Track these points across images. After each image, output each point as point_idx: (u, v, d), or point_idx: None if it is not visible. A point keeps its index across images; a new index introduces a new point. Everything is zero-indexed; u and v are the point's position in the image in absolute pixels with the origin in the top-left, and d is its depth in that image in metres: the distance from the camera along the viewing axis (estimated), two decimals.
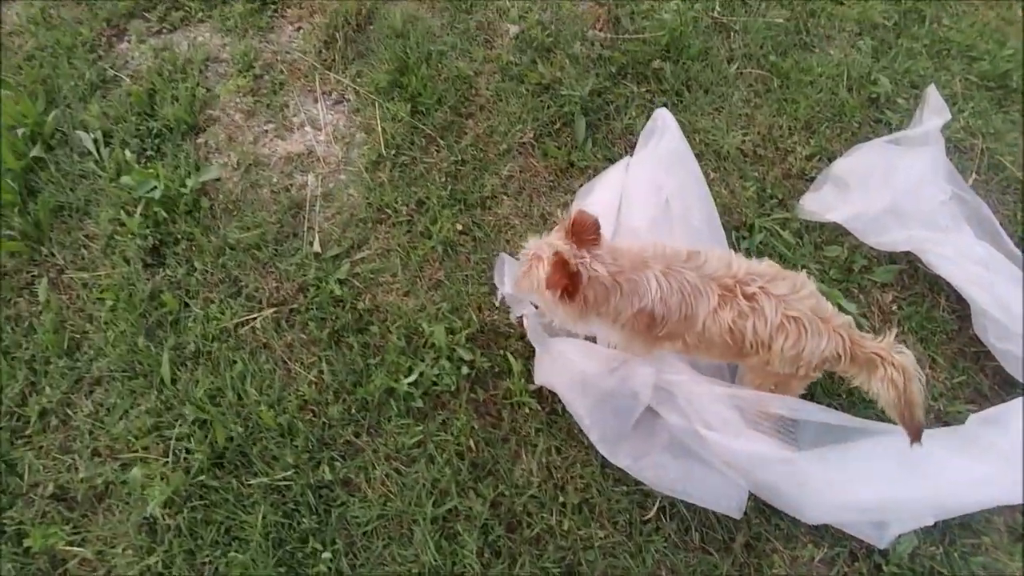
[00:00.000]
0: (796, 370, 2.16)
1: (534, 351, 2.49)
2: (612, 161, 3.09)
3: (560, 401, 2.47)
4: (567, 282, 2.00)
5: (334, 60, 3.39)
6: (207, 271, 2.77)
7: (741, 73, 3.42)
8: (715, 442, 2.33)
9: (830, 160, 3.13)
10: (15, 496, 2.38)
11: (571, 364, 2.42)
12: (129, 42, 3.47)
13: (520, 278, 2.20)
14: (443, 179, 3.02)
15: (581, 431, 2.43)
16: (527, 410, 2.49)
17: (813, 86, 3.38)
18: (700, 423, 2.36)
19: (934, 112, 3.09)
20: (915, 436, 2.07)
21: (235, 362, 2.56)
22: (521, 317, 2.54)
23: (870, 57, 3.50)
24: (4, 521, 2.34)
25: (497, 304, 2.67)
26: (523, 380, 2.52)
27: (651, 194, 2.72)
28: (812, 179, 3.10)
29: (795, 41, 3.56)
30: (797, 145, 3.21)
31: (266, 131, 3.19)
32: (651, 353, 2.37)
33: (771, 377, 2.28)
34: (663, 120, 2.84)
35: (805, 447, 2.38)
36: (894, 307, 2.85)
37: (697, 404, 2.38)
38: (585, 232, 2.05)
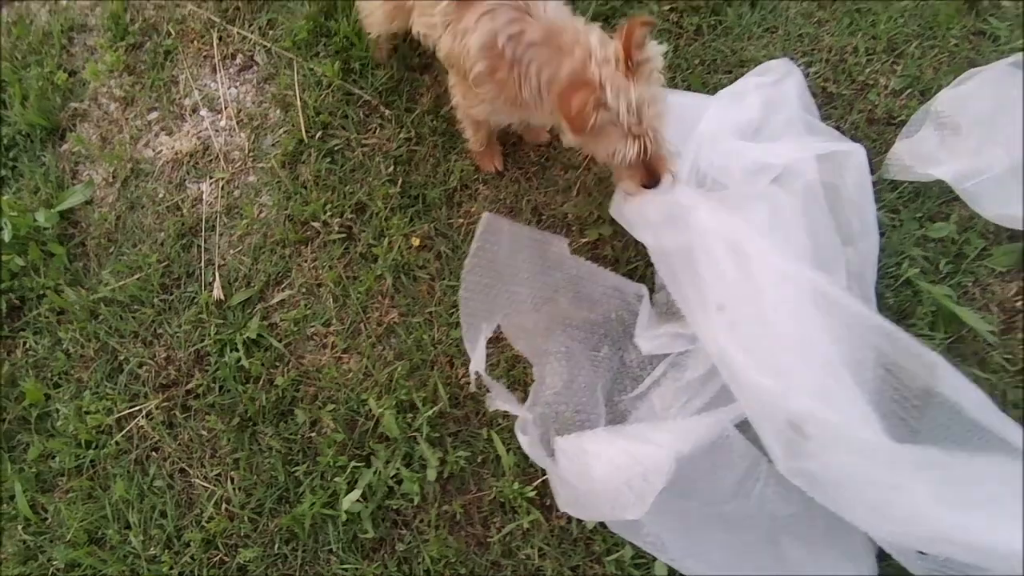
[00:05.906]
0: None
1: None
2: None
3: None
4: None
5: (238, 9, 2.46)
6: (78, 341, 2.01)
7: None
8: None
9: (923, 94, 2.13)
10: None
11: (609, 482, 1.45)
12: None
13: None
14: (390, 168, 2.13)
15: (606, 549, 1.65)
16: (526, 523, 1.70)
17: None
18: None
19: None
20: None
21: (116, 479, 1.83)
22: (513, 416, 1.62)
23: None
24: None
25: (473, 386, 1.82)
26: (517, 480, 1.71)
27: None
28: (904, 123, 2.07)
29: None
30: (879, 76, 2.18)
31: (149, 123, 2.33)
32: None
33: None
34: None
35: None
36: (1018, 302, 1.88)
37: None
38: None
